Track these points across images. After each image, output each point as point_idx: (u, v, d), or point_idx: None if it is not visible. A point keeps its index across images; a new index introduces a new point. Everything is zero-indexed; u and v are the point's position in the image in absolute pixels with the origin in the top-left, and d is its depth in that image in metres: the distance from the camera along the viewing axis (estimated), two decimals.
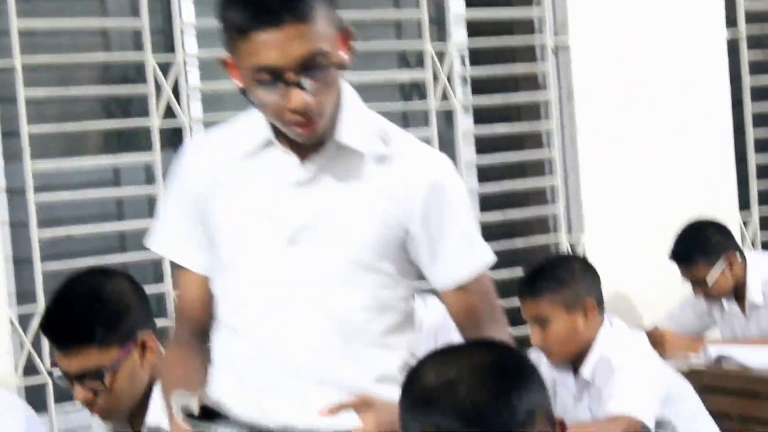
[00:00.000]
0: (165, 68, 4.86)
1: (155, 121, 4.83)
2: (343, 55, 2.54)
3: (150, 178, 4.86)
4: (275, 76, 2.50)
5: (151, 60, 4.81)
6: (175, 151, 4.77)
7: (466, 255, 2.76)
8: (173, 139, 4.95)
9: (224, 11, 2.56)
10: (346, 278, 2.67)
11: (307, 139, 2.58)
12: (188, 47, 4.95)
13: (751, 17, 6.28)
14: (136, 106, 4.94)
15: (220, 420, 2.56)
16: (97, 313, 3.22)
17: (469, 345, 2.22)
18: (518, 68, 5.70)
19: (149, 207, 4.75)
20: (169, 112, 4.88)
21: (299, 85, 2.49)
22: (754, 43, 6.32)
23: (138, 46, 4.86)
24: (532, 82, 5.72)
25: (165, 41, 4.95)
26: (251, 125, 2.68)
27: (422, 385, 2.01)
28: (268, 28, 2.48)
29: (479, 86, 5.61)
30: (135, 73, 4.91)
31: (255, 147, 2.67)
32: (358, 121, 2.65)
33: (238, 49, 2.52)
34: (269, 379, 2.65)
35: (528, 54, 5.71)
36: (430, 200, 2.70)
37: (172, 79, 4.85)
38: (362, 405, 2.57)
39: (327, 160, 2.64)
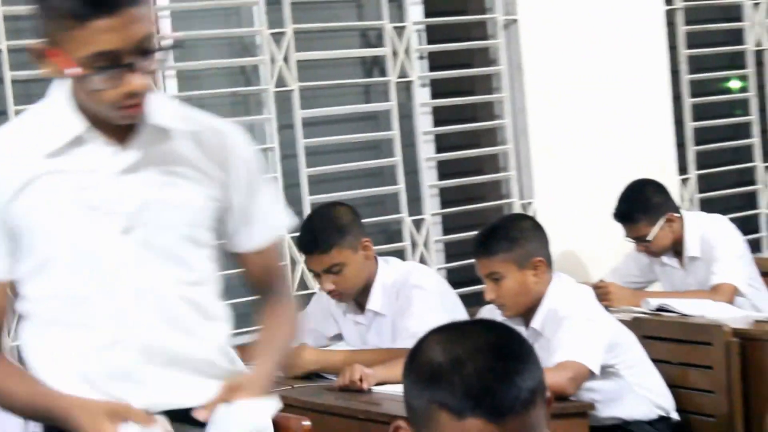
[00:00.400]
0: None
1: None
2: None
3: None
4: (113, 60, 2.40)
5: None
6: None
7: (273, 219, 2.76)
8: None
9: (49, 2, 2.45)
10: (182, 257, 2.60)
11: (135, 119, 2.51)
12: (163, 29, 4.93)
13: None
14: None
15: None
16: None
17: (473, 323, 2.15)
18: (471, 43, 5.75)
19: None
20: None
21: (135, 68, 2.42)
22: (690, 16, 6.26)
23: None
24: (485, 56, 5.77)
25: None
26: (52, 122, 2.54)
27: (429, 360, 1.96)
28: (106, 14, 2.37)
29: (436, 61, 5.66)
30: None
31: (65, 144, 2.53)
32: (164, 103, 2.60)
33: (73, 37, 2.39)
34: (118, 367, 2.55)
35: (480, 30, 5.74)
36: (243, 171, 2.68)
37: None
38: (232, 392, 2.54)
39: (145, 144, 2.55)
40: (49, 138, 2.52)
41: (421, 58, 5.62)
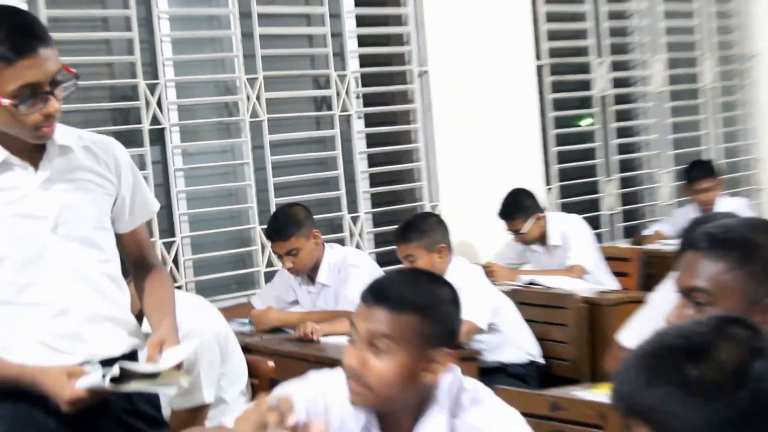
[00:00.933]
0: (152, 89, 4.80)
1: (146, 125, 4.77)
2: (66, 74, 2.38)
3: (142, 166, 4.74)
4: (35, 90, 2.30)
5: (142, 83, 4.74)
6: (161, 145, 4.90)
7: (148, 204, 2.66)
8: (158, 138, 4.90)
9: None
10: (97, 242, 2.52)
11: (48, 137, 2.39)
12: (167, 74, 4.89)
13: (552, 53, 6.24)
14: (133, 116, 4.84)
15: (132, 378, 2.33)
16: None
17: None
18: (394, 87, 5.70)
19: None
20: (154, 120, 4.82)
21: (52, 95, 2.33)
22: (554, 69, 6.26)
23: (133, 74, 4.76)
24: (404, 97, 5.74)
25: (152, 71, 4.87)
26: None
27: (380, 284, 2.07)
28: (28, 55, 2.28)
29: (368, 99, 5.61)
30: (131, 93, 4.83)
31: None
32: (61, 127, 2.45)
33: (2, 76, 2.27)
34: (67, 329, 2.45)
35: (401, 77, 5.72)
36: (128, 171, 2.58)
37: (156, 96, 4.79)
38: (159, 345, 2.43)
39: (54, 161, 2.44)
40: None
41: (358, 97, 5.57)
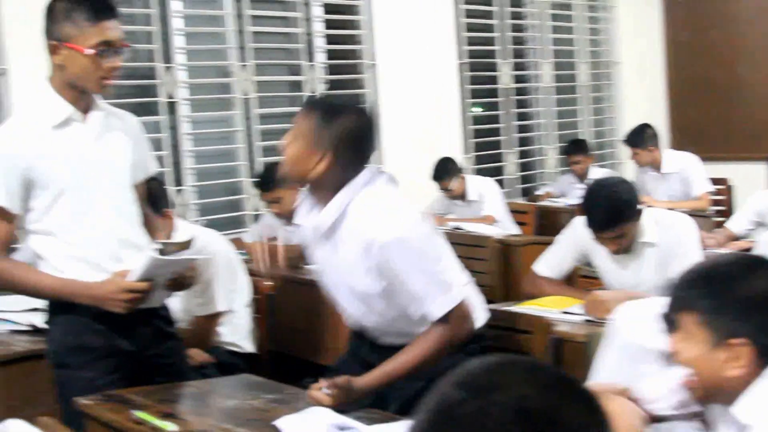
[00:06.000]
0: (167, 70, 4.66)
1: (162, 98, 4.63)
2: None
3: (158, 129, 4.62)
4: (110, 47, 2.28)
5: (160, 65, 4.63)
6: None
7: (151, 164, 2.61)
8: (171, 109, 4.75)
9: (71, 11, 2.25)
10: (128, 185, 2.44)
11: (107, 90, 2.33)
12: (179, 59, 4.75)
13: (470, 55, 6.20)
14: (152, 91, 4.67)
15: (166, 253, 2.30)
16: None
17: None
18: (351, 76, 5.51)
19: None
20: (169, 95, 4.72)
21: (119, 54, 2.30)
22: (471, 67, 6.20)
23: (152, 58, 4.60)
24: (358, 84, 5.56)
25: (167, 56, 4.70)
26: (48, 105, 2.32)
27: None
28: (108, 18, 2.28)
29: (332, 85, 5.40)
30: (151, 73, 4.65)
31: (61, 120, 2.33)
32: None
33: (86, 33, 2.24)
34: (107, 251, 2.37)
35: (356, 68, 5.57)
36: (142, 136, 2.53)
37: (170, 76, 4.64)
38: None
39: (98, 120, 2.38)
40: (52, 117, 2.33)
41: (324, 83, 5.45)
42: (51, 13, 2.29)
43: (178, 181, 4.88)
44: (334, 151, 2.16)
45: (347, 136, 2.16)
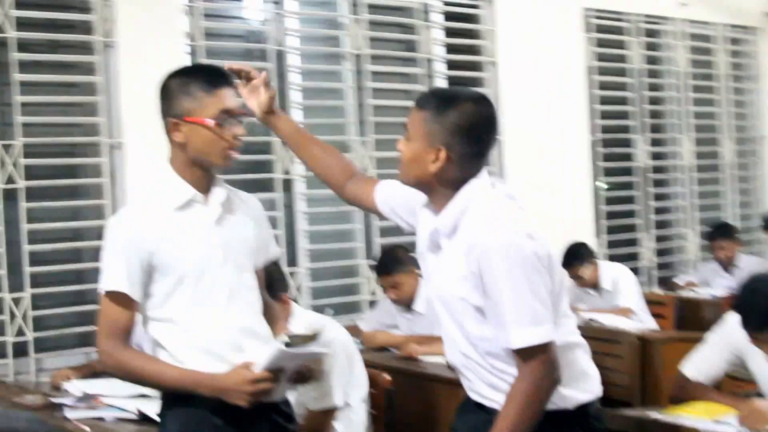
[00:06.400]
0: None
1: (278, 175, 4.84)
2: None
3: (272, 207, 4.67)
4: (228, 115, 2.28)
5: (276, 140, 4.71)
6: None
7: (272, 248, 2.53)
8: (287, 186, 4.95)
9: (187, 85, 2.27)
10: (249, 269, 2.39)
11: (231, 162, 2.32)
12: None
13: (603, 130, 6.08)
14: (267, 167, 4.74)
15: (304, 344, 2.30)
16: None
17: None
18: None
19: None
20: (285, 171, 4.95)
21: (240, 121, 2.31)
22: (604, 143, 6.08)
23: (268, 132, 4.68)
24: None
25: None
26: (170, 188, 2.32)
27: None
28: (224, 86, 2.30)
29: None
30: (266, 149, 4.77)
31: (183, 203, 2.31)
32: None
33: (205, 104, 2.25)
34: (229, 341, 2.31)
35: None
36: (262, 218, 2.48)
37: (288, 151, 4.71)
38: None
39: (220, 201, 2.35)
40: (174, 199, 2.31)
41: None
42: (166, 91, 2.31)
43: (292, 262, 4.86)
44: (447, 147, 2.10)
45: (461, 127, 2.10)
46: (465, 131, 2.09)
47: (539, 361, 2.04)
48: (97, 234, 3.72)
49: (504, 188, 2.17)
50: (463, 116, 2.09)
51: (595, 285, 5.22)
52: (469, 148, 2.09)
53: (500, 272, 2.01)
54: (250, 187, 2.87)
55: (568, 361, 2.14)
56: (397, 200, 2.34)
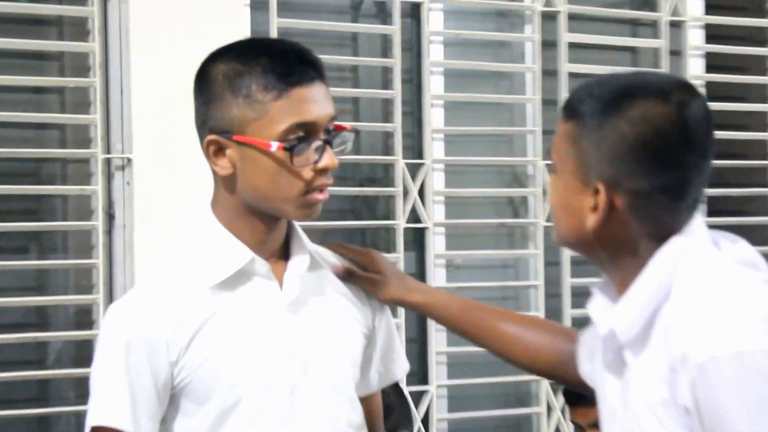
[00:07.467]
0: (413, 171, 3.10)
1: (401, 222, 3.07)
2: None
3: None
4: (307, 133, 1.45)
5: (401, 162, 3.07)
6: (418, 251, 3.16)
7: (398, 363, 1.75)
8: (415, 240, 3.21)
9: (240, 74, 1.44)
10: (351, 397, 1.62)
11: (315, 212, 1.52)
12: (436, 152, 3.19)
13: None
14: (381, 207, 3.23)
15: None
16: None
17: None
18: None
19: None
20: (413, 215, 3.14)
21: (329, 144, 1.48)
22: None
23: (388, 149, 3.15)
24: None
25: (415, 145, 3.19)
26: (211, 249, 1.52)
27: None
28: (303, 84, 1.45)
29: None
30: (383, 174, 3.20)
31: (232, 274, 1.51)
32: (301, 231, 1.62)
33: (269, 112, 1.44)
34: None
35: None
36: (383, 309, 1.74)
37: (419, 183, 3.11)
38: None
39: (302, 274, 1.54)
40: (216, 269, 1.50)
41: None
42: (204, 85, 1.49)
43: (422, 377, 3.29)
44: (611, 182, 1.31)
45: (632, 145, 1.30)
46: (641, 152, 1.28)
47: None
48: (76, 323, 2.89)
49: (737, 249, 1.34)
50: (637, 125, 1.28)
51: None
52: (654, 180, 1.28)
53: (734, 406, 1.24)
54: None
55: None
56: None
